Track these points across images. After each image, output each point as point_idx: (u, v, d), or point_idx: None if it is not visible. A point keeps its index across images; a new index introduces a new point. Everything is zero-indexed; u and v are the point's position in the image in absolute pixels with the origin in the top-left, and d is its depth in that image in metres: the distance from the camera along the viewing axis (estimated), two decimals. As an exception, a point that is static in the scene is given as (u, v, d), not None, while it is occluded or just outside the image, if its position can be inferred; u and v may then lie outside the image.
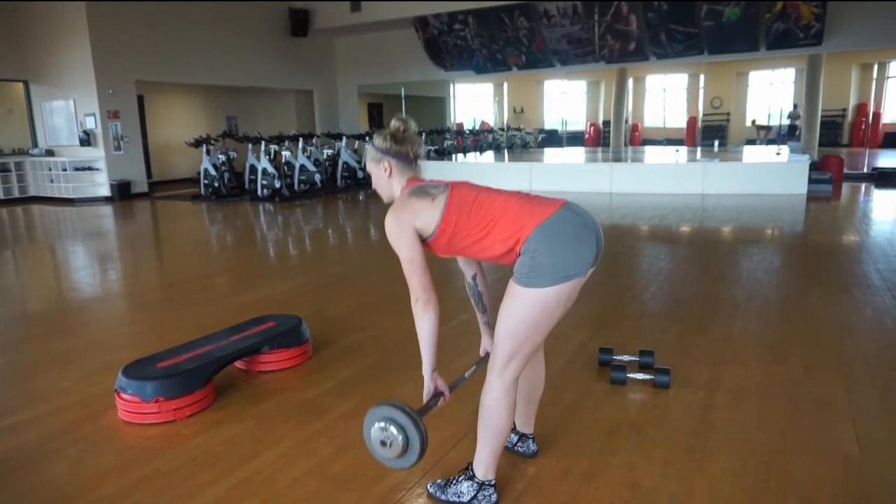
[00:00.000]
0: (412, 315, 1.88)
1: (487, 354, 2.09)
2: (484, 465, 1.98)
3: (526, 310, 1.83)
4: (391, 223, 1.87)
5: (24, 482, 2.24)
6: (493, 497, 1.98)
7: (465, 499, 1.98)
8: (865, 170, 12.26)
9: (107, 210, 10.80)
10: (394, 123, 1.98)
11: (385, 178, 1.98)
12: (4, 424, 2.69)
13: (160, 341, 3.53)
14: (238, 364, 3.18)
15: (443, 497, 2.02)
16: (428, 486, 2.08)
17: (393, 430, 1.75)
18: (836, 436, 2.38)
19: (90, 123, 11.80)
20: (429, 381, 1.91)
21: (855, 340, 3.45)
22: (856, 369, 3.02)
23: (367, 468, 2.25)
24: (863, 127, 19.50)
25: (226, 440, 2.49)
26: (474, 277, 2.14)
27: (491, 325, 2.08)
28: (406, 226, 1.85)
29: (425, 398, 1.92)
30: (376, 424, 1.78)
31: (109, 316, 4.54)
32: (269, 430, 2.57)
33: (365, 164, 2.08)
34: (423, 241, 1.88)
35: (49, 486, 2.22)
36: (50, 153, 12.37)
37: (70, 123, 12.05)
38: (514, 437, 2.30)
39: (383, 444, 1.78)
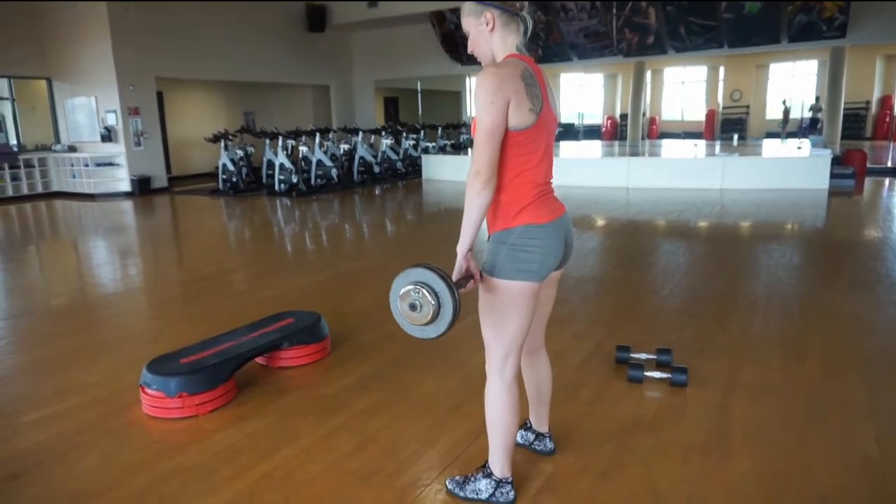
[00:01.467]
0: None
1: None
2: (499, 462, 1.99)
3: (499, 300, 1.84)
4: (492, 83, 1.70)
5: (54, 475, 2.31)
6: (511, 494, 2.00)
7: (483, 496, 2.01)
8: (889, 164, 12.04)
9: (127, 205, 10.96)
10: None
11: (486, 33, 1.81)
12: (33, 418, 2.76)
13: (182, 337, 3.60)
14: (258, 360, 3.23)
15: (461, 494, 2.04)
16: (447, 483, 2.11)
17: (426, 293, 1.70)
18: (857, 436, 2.37)
19: (111, 120, 11.97)
20: (462, 259, 1.82)
21: (877, 340, 3.41)
22: (877, 369, 2.99)
23: (387, 464, 2.29)
24: (887, 120, 19.13)
25: (247, 435, 2.54)
26: None
27: None
28: (504, 95, 1.70)
29: (455, 276, 1.82)
30: (408, 286, 1.72)
31: (132, 311, 4.62)
32: (289, 426, 2.61)
33: (461, 25, 1.87)
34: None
35: (78, 479, 2.28)
36: (72, 149, 12.57)
37: (91, 120, 12.23)
38: (531, 436, 2.32)
39: (413, 307, 1.72)
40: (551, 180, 1.92)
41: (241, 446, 2.46)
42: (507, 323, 1.86)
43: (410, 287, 1.73)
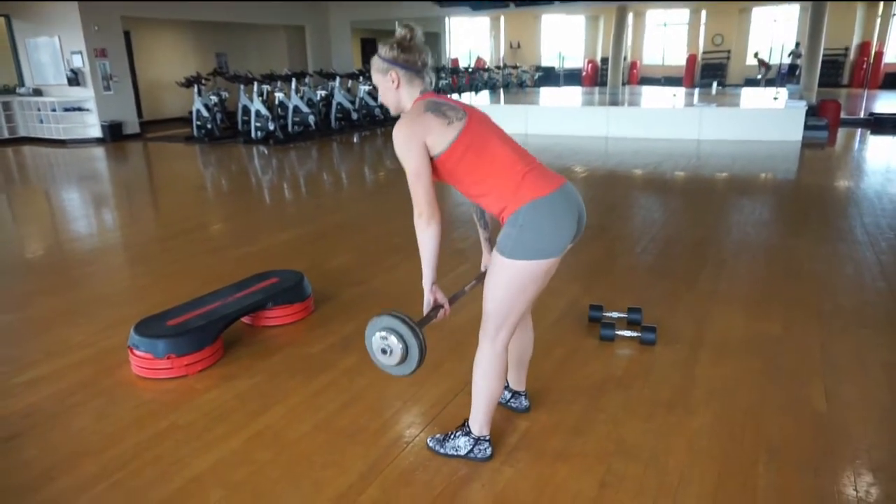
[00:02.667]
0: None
1: (486, 271, 2.09)
2: (479, 422, 2.13)
3: (510, 280, 1.92)
4: (402, 135, 1.85)
5: (50, 435, 2.40)
6: (488, 451, 2.15)
7: (462, 452, 2.15)
8: (862, 114, 12.20)
9: (99, 152, 10.70)
10: (399, 31, 1.92)
11: (393, 89, 1.94)
12: (25, 379, 2.83)
13: (165, 295, 3.65)
14: (244, 319, 3.30)
15: (441, 451, 2.18)
16: (428, 441, 2.25)
17: (393, 339, 1.84)
18: (808, 392, 2.55)
19: (77, 62, 11.52)
20: (428, 293, 1.94)
21: (834, 297, 3.60)
22: (832, 327, 3.18)
23: (372, 422, 2.42)
24: (864, 67, 19.21)
25: (237, 395, 2.64)
26: None
27: (491, 242, 2.14)
28: (417, 139, 1.84)
29: (425, 310, 1.95)
30: (378, 334, 1.87)
31: (113, 268, 4.63)
32: (277, 385, 2.71)
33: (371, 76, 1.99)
34: (430, 159, 1.88)
35: (74, 438, 2.37)
36: (38, 92, 12.13)
37: (56, 61, 11.77)
38: (508, 394, 2.46)
39: (384, 352, 1.87)
40: (532, 157, 1.96)
41: (231, 406, 2.56)
42: (509, 300, 1.94)
43: (380, 334, 1.86)
